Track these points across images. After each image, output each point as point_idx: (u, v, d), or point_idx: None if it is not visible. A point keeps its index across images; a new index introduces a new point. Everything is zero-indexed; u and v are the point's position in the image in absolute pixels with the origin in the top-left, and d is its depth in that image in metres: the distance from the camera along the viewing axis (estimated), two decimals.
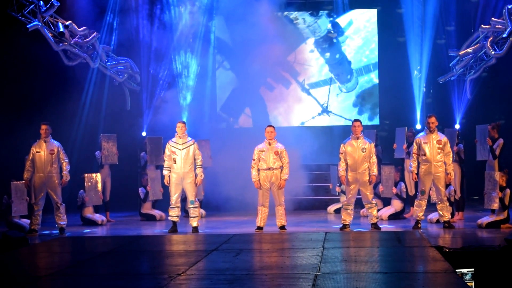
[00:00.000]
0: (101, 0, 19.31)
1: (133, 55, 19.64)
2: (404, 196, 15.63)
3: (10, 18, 16.45)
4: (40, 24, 16.55)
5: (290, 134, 18.38)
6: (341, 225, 13.78)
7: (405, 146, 16.03)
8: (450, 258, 9.65)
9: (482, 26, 17.59)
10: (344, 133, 18.46)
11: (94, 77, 18.98)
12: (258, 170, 13.86)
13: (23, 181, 14.29)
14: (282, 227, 13.83)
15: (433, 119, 13.74)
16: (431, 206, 14.56)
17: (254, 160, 13.90)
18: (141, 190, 16.51)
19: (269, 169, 13.77)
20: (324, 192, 18.31)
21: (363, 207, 14.71)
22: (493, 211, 13.80)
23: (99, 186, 15.77)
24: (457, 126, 18.14)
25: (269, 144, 13.86)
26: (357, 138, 13.78)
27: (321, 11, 21.05)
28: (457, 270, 8.79)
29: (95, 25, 18.56)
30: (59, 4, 16.78)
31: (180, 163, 13.89)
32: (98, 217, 15.90)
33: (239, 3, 19.27)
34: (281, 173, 13.81)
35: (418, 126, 18.63)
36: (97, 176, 15.83)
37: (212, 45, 20.66)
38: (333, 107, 21.07)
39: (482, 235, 12.83)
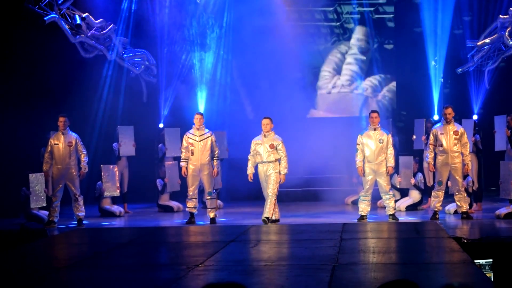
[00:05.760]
0: None
1: (150, 46, 19.63)
2: (422, 187, 15.59)
3: (27, 10, 16.52)
4: (57, 16, 16.62)
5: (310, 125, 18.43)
6: (359, 216, 13.77)
7: (424, 137, 15.97)
8: (468, 249, 9.61)
9: (500, 16, 17.49)
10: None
11: (111, 69, 18.98)
12: (256, 163, 13.71)
13: (42, 173, 14.37)
14: (265, 220, 13.46)
15: (449, 110, 13.69)
16: (449, 197, 14.52)
17: (250, 152, 13.76)
18: (158, 182, 16.56)
19: (263, 162, 13.58)
20: (341, 183, 18.24)
21: (379, 198, 14.69)
22: (511, 201, 13.74)
23: (117, 177, 15.82)
24: (475, 117, 18.03)
25: (265, 136, 13.65)
26: (375, 129, 13.77)
27: (337, 3, 20.88)
28: (475, 261, 8.76)
29: (112, 17, 18.57)
30: None
31: (198, 154, 13.91)
32: (116, 209, 15.97)
33: None
34: (279, 166, 13.58)
35: (436, 117, 18.52)
36: (115, 168, 15.88)
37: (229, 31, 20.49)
38: None
39: (500, 225, 12.79)
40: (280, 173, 13.58)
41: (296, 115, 19.21)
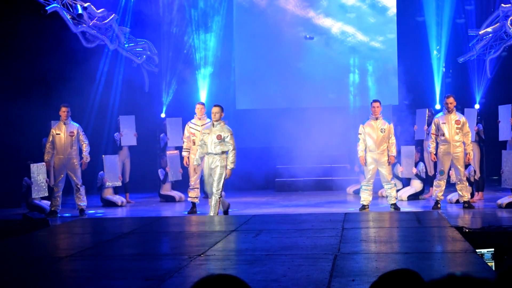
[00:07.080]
0: None
1: (151, 34, 19.59)
2: (424, 176, 15.59)
3: (29, 0, 16.50)
4: (59, 6, 16.59)
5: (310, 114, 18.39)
6: (360, 206, 13.77)
7: (425, 127, 15.98)
8: (470, 238, 9.61)
9: (502, 5, 17.44)
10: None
11: (112, 59, 18.95)
12: (203, 154, 12.93)
13: (43, 163, 14.38)
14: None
15: (451, 100, 13.70)
16: (451, 187, 14.53)
17: (199, 143, 13.10)
18: (160, 172, 16.57)
19: (209, 154, 12.75)
20: (343, 172, 18.23)
21: (380, 187, 14.68)
22: None
23: (119, 167, 15.83)
24: (477, 106, 18.01)
25: (213, 126, 12.79)
26: (376, 119, 13.76)
27: None
28: (477, 250, 8.76)
29: (112, 7, 18.52)
30: None
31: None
32: (118, 199, 15.98)
33: None
34: (226, 160, 12.76)
35: (438, 106, 18.51)
36: (116, 158, 15.90)
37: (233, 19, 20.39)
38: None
39: (502, 215, 12.82)
40: (226, 167, 12.75)
41: (301, 103, 19.16)
